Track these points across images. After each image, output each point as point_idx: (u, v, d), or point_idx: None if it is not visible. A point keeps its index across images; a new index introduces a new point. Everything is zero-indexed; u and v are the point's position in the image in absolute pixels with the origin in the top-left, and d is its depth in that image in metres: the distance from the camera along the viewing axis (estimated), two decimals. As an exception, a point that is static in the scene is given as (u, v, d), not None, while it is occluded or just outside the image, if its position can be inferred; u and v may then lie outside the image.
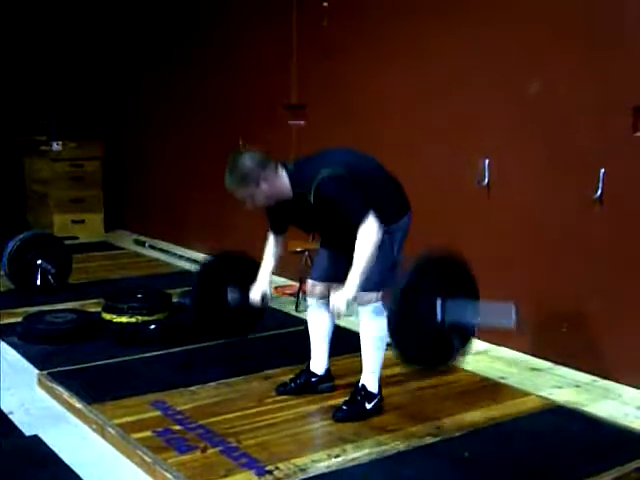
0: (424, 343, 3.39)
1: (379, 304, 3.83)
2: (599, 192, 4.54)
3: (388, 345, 3.97)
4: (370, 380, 3.88)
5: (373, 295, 3.81)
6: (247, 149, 3.87)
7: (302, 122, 6.84)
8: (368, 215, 3.62)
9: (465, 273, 3.56)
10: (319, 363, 4.22)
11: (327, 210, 3.73)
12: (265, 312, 4.44)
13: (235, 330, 4.55)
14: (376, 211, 3.68)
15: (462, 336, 3.44)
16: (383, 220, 3.71)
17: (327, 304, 3.97)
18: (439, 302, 3.33)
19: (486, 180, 5.20)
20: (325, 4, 6.43)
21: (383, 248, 3.75)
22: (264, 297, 4.17)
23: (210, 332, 4.57)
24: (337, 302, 3.63)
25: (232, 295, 4.29)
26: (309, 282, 4.15)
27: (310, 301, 4.18)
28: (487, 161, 5.17)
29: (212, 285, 4.40)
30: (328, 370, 4.21)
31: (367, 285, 3.72)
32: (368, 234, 3.60)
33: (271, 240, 4.18)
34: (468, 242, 5.39)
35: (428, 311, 3.33)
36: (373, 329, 3.85)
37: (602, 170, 4.51)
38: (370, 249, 3.60)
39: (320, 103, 6.63)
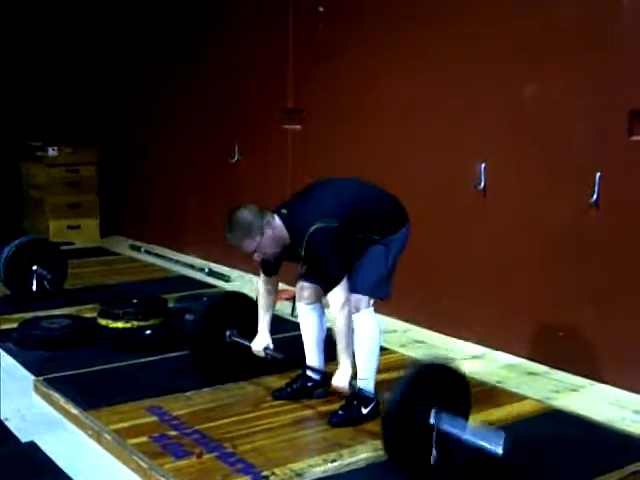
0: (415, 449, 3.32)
1: (371, 309, 3.86)
2: (595, 196, 4.54)
3: (382, 349, 3.98)
4: (366, 385, 3.87)
5: (365, 299, 3.83)
6: (242, 204, 3.92)
7: (298, 126, 6.84)
8: (340, 281, 3.70)
9: (461, 385, 3.50)
10: (314, 362, 4.21)
11: (313, 261, 3.85)
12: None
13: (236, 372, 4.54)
14: (373, 228, 3.84)
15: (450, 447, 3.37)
16: (380, 232, 3.84)
17: (317, 309, 4.11)
18: (433, 412, 3.28)
19: (482, 184, 5.20)
20: (321, 9, 6.43)
21: (379, 257, 3.82)
22: (266, 348, 4.25)
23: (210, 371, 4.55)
24: (339, 383, 3.76)
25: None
26: (298, 285, 4.17)
27: (300, 306, 4.19)
28: (483, 165, 5.18)
29: (213, 327, 4.43)
30: (324, 374, 4.20)
31: (360, 289, 3.78)
32: (338, 308, 3.70)
33: (262, 288, 4.20)
34: (464, 246, 5.41)
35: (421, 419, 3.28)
36: (366, 334, 3.85)
37: (598, 174, 4.51)
38: (344, 323, 3.71)
39: (316, 107, 6.63)
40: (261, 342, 4.24)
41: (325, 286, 3.81)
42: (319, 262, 3.80)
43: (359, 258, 3.85)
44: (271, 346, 4.25)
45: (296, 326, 4.39)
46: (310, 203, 3.91)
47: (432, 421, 3.26)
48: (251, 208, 3.86)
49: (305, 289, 4.12)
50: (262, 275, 4.18)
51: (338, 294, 3.70)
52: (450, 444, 3.31)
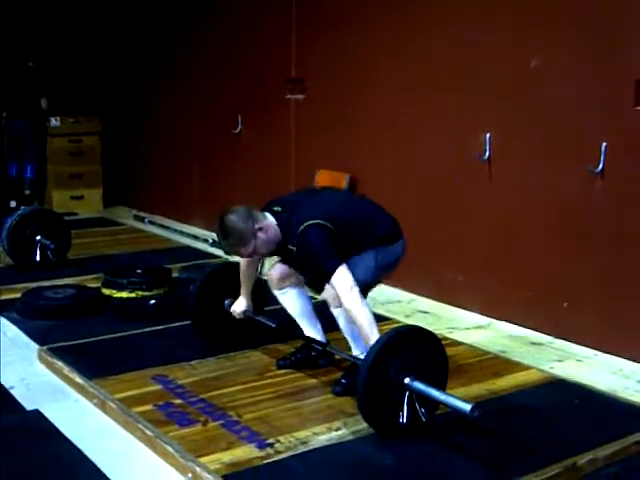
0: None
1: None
2: (601, 166, 4.52)
3: (386, 319, 3.97)
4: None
5: None
6: (228, 209, 3.83)
7: (301, 96, 6.80)
8: (336, 270, 3.57)
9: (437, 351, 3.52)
10: (313, 334, 4.22)
11: (306, 259, 3.75)
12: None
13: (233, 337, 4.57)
14: (364, 241, 3.78)
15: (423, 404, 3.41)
16: (370, 244, 3.80)
17: (292, 285, 4.11)
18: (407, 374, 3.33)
19: (487, 155, 5.17)
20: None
21: (366, 260, 3.77)
22: (246, 311, 4.33)
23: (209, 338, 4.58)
24: None
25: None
26: (267, 275, 4.21)
27: (275, 292, 4.21)
28: (488, 136, 5.15)
29: (212, 296, 4.47)
30: (327, 344, 4.20)
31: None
32: (347, 290, 3.54)
33: (244, 260, 4.18)
34: (469, 217, 5.40)
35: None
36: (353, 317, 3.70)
37: (604, 144, 4.48)
38: (355, 301, 3.51)
39: (320, 77, 6.60)
40: (240, 305, 4.32)
41: (324, 279, 3.65)
42: (312, 257, 3.68)
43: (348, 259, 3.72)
44: (250, 309, 4.33)
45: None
46: (304, 205, 3.85)
47: (406, 381, 3.31)
48: (240, 213, 3.78)
49: (273, 275, 4.09)
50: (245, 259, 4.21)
51: (342, 278, 3.56)
52: (423, 406, 3.36)
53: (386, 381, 3.31)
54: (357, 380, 3.33)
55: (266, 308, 4.57)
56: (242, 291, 4.33)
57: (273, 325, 4.29)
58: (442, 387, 3.45)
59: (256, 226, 3.76)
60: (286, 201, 3.96)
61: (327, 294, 3.73)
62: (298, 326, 4.21)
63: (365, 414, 3.36)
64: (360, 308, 3.51)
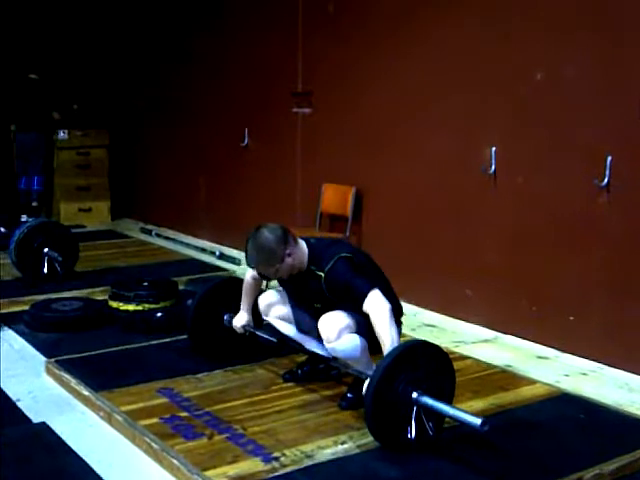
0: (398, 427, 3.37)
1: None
2: (606, 180, 4.52)
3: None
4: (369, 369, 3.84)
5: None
6: (266, 225, 3.84)
7: (308, 110, 6.83)
8: (374, 289, 3.59)
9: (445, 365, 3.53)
10: (319, 351, 4.22)
11: (335, 289, 3.71)
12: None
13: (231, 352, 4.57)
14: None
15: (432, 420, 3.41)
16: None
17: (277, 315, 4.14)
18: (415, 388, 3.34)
19: (492, 168, 5.19)
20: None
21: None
22: (246, 326, 4.34)
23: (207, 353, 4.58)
24: None
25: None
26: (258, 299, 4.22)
27: (264, 317, 4.24)
28: (493, 149, 5.16)
29: (210, 312, 4.49)
30: (334, 357, 4.20)
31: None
32: (376, 304, 3.54)
33: (249, 276, 4.23)
34: (474, 230, 5.41)
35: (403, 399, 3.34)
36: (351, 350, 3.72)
37: (609, 158, 4.49)
38: (387, 317, 3.51)
39: (326, 91, 6.62)
40: (240, 319, 4.34)
41: (358, 302, 3.61)
42: (346, 287, 3.65)
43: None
44: (251, 324, 4.34)
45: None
46: (336, 244, 3.92)
47: (414, 396, 3.31)
48: (276, 233, 3.77)
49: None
50: (251, 276, 4.24)
51: (377, 298, 3.56)
52: (431, 420, 3.36)
53: (394, 395, 3.31)
54: (365, 394, 3.34)
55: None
56: (243, 305, 4.34)
57: (274, 340, 4.27)
58: (450, 401, 3.46)
59: (287, 251, 3.76)
60: (320, 240, 4.02)
61: (323, 331, 3.69)
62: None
63: (372, 428, 3.36)
64: (387, 322, 3.50)
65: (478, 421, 3.15)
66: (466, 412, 3.29)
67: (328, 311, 3.72)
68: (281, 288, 4.14)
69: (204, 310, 4.47)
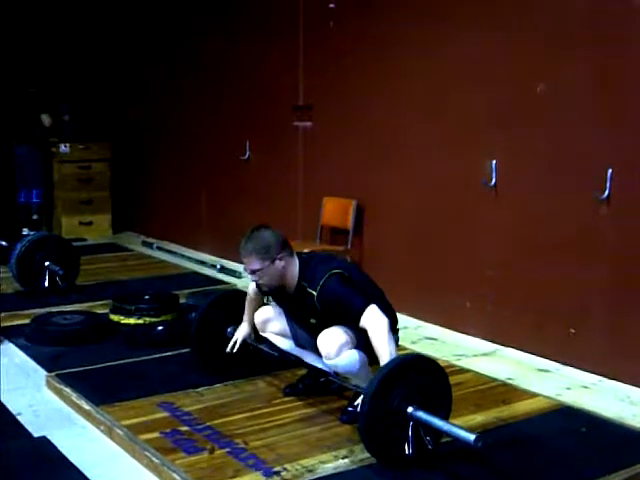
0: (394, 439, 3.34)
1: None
2: (606, 193, 4.53)
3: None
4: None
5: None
6: (270, 227, 3.88)
7: (309, 123, 6.85)
8: (370, 305, 3.59)
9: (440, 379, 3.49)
10: (319, 365, 4.22)
11: (329, 307, 3.71)
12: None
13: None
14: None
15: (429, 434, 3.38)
16: None
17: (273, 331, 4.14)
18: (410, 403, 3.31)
19: (493, 181, 5.19)
20: (332, 5, 6.44)
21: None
22: (248, 338, 4.33)
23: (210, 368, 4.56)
24: None
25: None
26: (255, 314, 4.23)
27: (260, 333, 4.24)
28: (494, 162, 5.17)
29: (213, 325, 4.47)
30: (330, 373, 4.20)
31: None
32: (374, 320, 3.54)
33: (252, 290, 4.23)
34: (475, 243, 5.41)
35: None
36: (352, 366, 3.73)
37: (609, 171, 4.50)
38: (385, 333, 3.51)
39: (327, 105, 6.64)
40: (242, 331, 4.32)
41: (354, 319, 3.61)
42: (340, 300, 3.66)
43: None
44: (252, 336, 4.32)
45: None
46: (327, 261, 3.90)
47: (409, 411, 3.28)
48: (277, 235, 3.82)
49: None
50: (253, 291, 4.24)
51: (374, 313, 3.56)
52: (428, 435, 3.33)
53: (389, 410, 3.28)
54: (360, 409, 3.32)
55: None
56: (245, 317, 4.33)
57: (275, 353, 4.27)
58: (446, 416, 3.44)
59: (280, 255, 3.77)
60: (315, 256, 4.01)
61: (322, 348, 3.68)
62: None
63: (367, 443, 3.34)
64: (385, 336, 3.50)
65: (472, 437, 3.11)
66: (461, 428, 3.26)
67: (324, 326, 3.71)
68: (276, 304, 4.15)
69: (208, 322, 4.46)
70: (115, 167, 9.77)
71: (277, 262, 3.77)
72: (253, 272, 3.82)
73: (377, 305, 3.62)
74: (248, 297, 4.30)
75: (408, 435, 3.31)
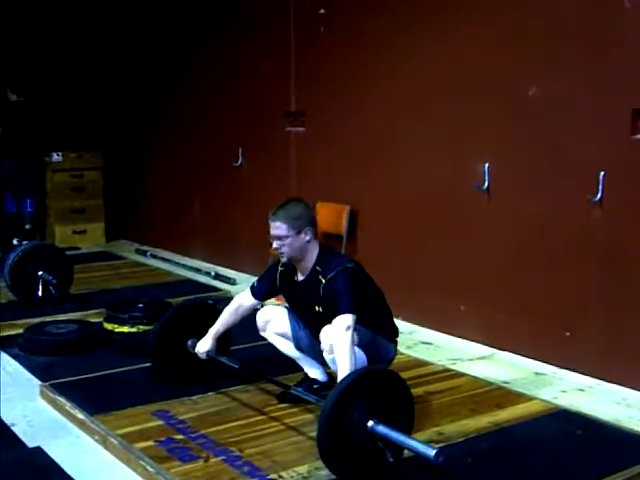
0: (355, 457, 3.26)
1: None
2: (599, 195, 4.53)
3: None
4: None
5: None
6: (304, 200, 4.00)
7: (301, 129, 6.84)
8: (351, 313, 3.60)
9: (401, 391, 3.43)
10: (315, 372, 4.24)
11: (328, 297, 3.74)
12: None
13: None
14: (372, 321, 3.81)
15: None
16: (374, 327, 3.85)
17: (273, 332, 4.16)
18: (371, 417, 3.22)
19: (486, 185, 5.19)
20: (322, 11, 6.44)
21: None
22: (208, 352, 4.25)
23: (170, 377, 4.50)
24: None
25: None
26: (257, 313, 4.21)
27: (261, 333, 4.23)
28: (487, 166, 5.17)
29: (172, 340, 4.40)
30: (330, 376, 4.19)
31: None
32: (338, 330, 3.56)
33: (235, 304, 4.21)
34: (469, 247, 5.41)
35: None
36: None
37: (602, 173, 4.50)
38: (344, 344, 3.53)
39: (319, 110, 6.64)
40: (203, 345, 4.25)
41: (331, 315, 3.66)
42: (334, 298, 3.69)
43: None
44: (214, 349, 4.24)
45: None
46: (345, 256, 4.02)
47: (370, 425, 3.20)
48: (310, 212, 3.94)
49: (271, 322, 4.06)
50: (247, 294, 4.19)
51: (346, 319, 3.58)
52: (387, 448, 3.23)
53: (348, 425, 3.18)
54: (318, 423, 3.23)
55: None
56: (211, 330, 4.25)
57: (236, 366, 4.20)
58: (409, 429, 3.36)
59: (308, 229, 3.82)
60: (332, 250, 4.08)
61: (324, 341, 3.68)
62: (261, 369, 4.27)
63: (326, 459, 3.22)
64: (347, 350, 3.51)
65: (432, 452, 3.04)
66: (421, 442, 3.18)
67: (329, 316, 3.70)
68: (279, 304, 4.13)
69: (167, 335, 4.39)
70: (108, 175, 9.75)
71: (302, 235, 3.81)
72: (278, 238, 3.83)
73: (374, 315, 3.68)
74: (230, 306, 4.24)
75: (368, 450, 3.23)
